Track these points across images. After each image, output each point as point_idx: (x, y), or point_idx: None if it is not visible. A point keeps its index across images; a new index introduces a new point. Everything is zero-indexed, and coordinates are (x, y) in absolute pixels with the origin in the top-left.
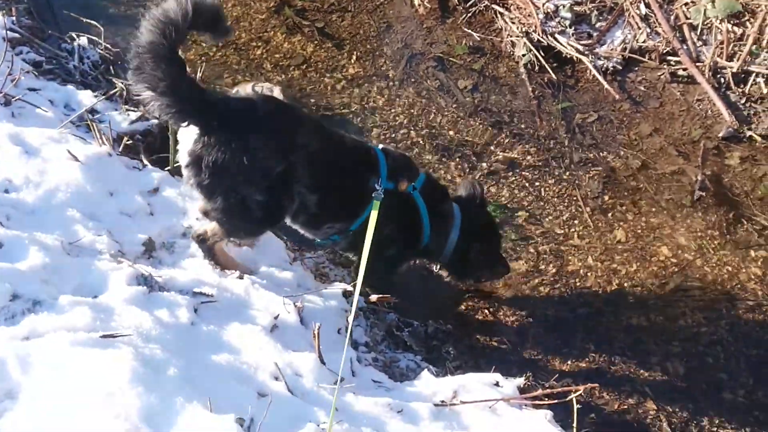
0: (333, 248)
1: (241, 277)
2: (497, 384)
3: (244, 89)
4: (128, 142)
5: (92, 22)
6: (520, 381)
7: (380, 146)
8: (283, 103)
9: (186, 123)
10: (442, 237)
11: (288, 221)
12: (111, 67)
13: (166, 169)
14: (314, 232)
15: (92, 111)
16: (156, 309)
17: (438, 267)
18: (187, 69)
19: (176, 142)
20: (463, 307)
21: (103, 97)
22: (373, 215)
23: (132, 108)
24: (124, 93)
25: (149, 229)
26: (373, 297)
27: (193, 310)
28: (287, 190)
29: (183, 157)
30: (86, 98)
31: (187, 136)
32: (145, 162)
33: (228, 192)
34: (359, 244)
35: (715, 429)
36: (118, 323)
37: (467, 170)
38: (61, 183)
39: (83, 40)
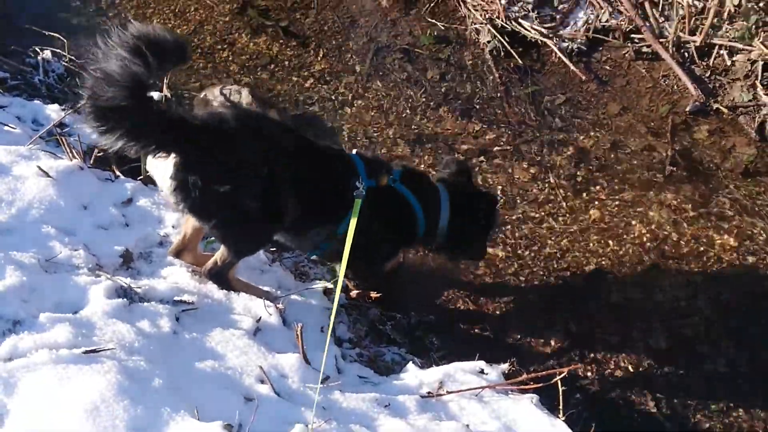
0: (321, 259)
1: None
2: (482, 371)
3: (212, 93)
4: (99, 154)
5: (55, 34)
6: (505, 367)
7: (354, 151)
8: (245, 108)
9: (167, 155)
10: (431, 221)
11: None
12: (77, 79)
13: (139, 178)
14: (302, 241)
15: (61, 125)
16: (137, 320)
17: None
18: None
19: None
20: (443, 297)
21: (71, 110)
22: (355, 212)
23: None
24: None
25: (125, 241)
26: (354, 293)
27: (175, 319)
28: (278, 190)
29: (166, 184)
30: (54, 112)
31: (162, 161)
32: (117, 173)
33: (224, 206)
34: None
35: (699, 400)
36: (100, 337)
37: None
38: (34, 200)
39: (47, 54)
